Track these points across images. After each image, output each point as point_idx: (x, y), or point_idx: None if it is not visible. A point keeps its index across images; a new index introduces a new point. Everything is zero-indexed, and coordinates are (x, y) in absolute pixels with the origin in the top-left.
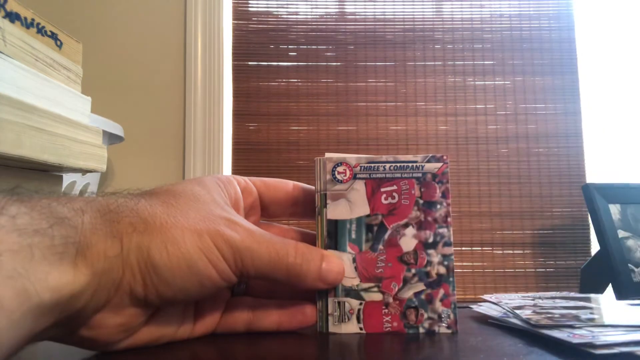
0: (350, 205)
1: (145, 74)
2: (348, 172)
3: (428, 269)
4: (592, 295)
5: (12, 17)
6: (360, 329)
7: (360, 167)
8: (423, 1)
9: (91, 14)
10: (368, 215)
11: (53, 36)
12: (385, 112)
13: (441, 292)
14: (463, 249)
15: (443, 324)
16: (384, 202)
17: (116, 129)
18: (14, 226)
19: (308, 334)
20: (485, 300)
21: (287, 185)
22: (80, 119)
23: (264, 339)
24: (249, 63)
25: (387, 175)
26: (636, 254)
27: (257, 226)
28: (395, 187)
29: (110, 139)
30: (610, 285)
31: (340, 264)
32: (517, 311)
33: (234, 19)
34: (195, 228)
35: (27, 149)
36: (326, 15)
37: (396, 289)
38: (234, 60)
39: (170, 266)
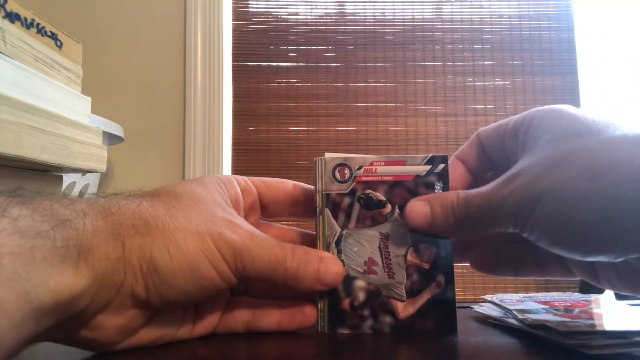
0: None
1: (145, 74)
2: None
3: None
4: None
5: (12, 17)
6: None
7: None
8: (423, 2)
9: (91, 14)
10: None
11: (53, 36)
12: (385, 113)
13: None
14: None
15: None
16: None
17: (116, 129)
18: (15, 228)
19: (308, 334)
20: (485, 300)
21: (286, 185)
22: (80, 119)
23: (264, 339)
24: (249, 63)
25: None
26: None
27: (257, 226)
28: None
29: (110, 139)
30: None
31: (339, 265)
32: (517, 312)
33: (233, 20)
34: (197, 230)
35: (27, 149)
36: (326, 15)
37: None
38: (233, 60)
39: (173, 268)
